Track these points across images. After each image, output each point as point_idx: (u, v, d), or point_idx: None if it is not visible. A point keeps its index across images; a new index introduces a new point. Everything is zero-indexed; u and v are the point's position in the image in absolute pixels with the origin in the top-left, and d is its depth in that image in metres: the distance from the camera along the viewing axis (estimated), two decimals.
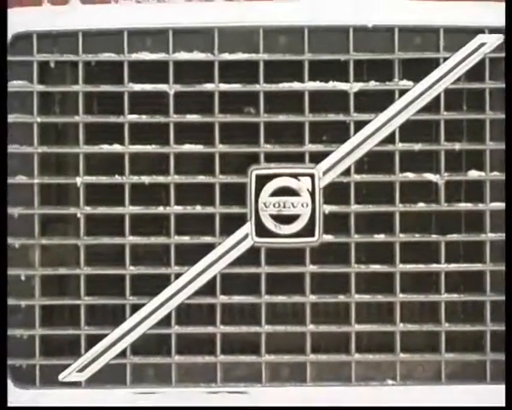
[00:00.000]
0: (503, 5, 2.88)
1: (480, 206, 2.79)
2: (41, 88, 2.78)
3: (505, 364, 2.85)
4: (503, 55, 2.81)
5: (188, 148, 2.77)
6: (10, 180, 2.80)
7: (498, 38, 2.79)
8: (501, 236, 2.82)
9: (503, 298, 2.86)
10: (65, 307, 2.84)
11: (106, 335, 2.78)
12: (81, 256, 2.78)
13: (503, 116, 2.85)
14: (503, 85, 2.84)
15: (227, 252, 2.79)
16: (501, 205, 2.81)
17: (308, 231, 2.77)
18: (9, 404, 2.87)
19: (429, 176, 2.78)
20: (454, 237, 2.80)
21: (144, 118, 2.78)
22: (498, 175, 2.81)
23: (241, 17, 2.87)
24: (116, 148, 2.78)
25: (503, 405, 2.91)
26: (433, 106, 2.82)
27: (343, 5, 2.89)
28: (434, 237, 2.79)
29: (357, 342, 2.83)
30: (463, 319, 2.85)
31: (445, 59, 2.76)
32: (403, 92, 2.76)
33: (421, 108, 2.78)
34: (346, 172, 2.77)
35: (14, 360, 2.79)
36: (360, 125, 2.77)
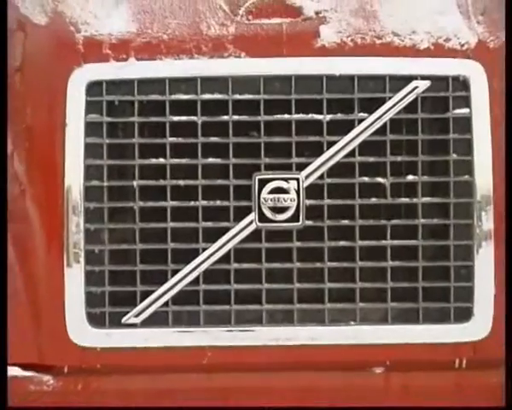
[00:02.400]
0: (430, 60, 3.19)
1: (415, 200, 3.18)
2: (108, 119, 3.17)
3: (505, 365, 3.18)
4: (430, 94, 3.18)
5: (211, 160, 3.16)
6: (87, 183, 3.15)
7: (427, 83, 3.16)
8: (428, 221, 3.19)
9: (431, 264, 3.22)
10: (125, 272, 3.23)
11: (154, 291, 3.19)
12: (136, 236, 3.17)
13: (431, 137, 3.21)
14: (432, 116, 3.20)
15: (238, 233, 3.17)
16: (429, 199, 3.19)
17: (295, 218, 3.16)
18: (86, 342, 3.20)
19: (379, 179, 3.18)
20: (398, 222, 3.20)
21: (180, 140, 3.17)
22: (427, 178, 3.19)
23: (248, 69, 3.20)
24: (160, 161, 3.17)
25: (433, 341, 3.23)
26: (385, 127, 3.18)
27: (318, 60, 3.20)
28: (383, 222, 3.20)
29: (330, 295, 3.22)
30: (402, 279, 3.23)
31: (390, 97, 3.16)
32: (360, 121, 3.16)
33: (373, 132, 3.16)
34: (321, 177, 3.16)
35: (90, 309, 3.18)
36: (331, 144, 3.16)
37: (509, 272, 3.19)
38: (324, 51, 3.19)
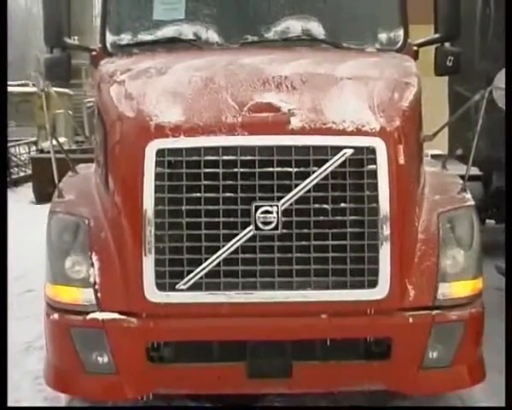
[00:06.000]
0: (354, 137, 3.35)
1: (345, 218, 3.38)
2: (168, 171, 3.36)
3: (505, 364, 3.33)
4: (354, 157, 3.31)
5: (227, 194, 3.36)
6: (156, 208, 3.29)
7: (352, 151, 3.34)
8: (353, 229, 3.34)
9: (355, 255, 3.35)
10: (177, 259, 3.37)
11: (194, 270, 3.37)
12: (184, 238, 3.36)
13: (354, 181, 3.33)
14: (355, 169, 3.32)
15: (243, 236, 3.36)
16: (354, 217, 3.35)
17: (276, 228, 3.35)
18: (155, 299, 3.34)
19: (325, 205, 3.37)
20: (335, 230, 3.38)
21: (210, 182, 3.34)
22: (353, 205, 3.36)
23: (249, 142, 3.31)
24: (198, 194, 3.36)
25: (355, 299, 3.36)
26: (327, 176, 3.35)
27: (289, 137, 3.37)
28: (327, 230, 3.38)
29: (296, 272, 3.39)
30: (338, 263, 3.39)
31: (331, 159, 3.34)
32: (313, 172, 3.35)
33: (321, 179, 3.34)
34: (291, 204, 3.35)
35: (158, 280, 3.36)
36: (296, 185, 3.34)
37: (509, 276, 3.36)
38: (293, 132, 3.43)
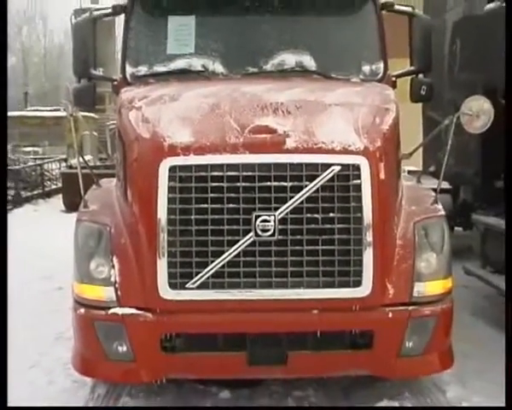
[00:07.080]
0: (341, 155, 3.28)
1: (333, 226, 3.32)
2: (179, 185, 3.31)
3: (505, 364, 3.19)
4: (341, 173, 3.25)
5: (231, 206, 3.29)
6: (168, 217, 3.23)
7: (339, 167, 3.29)
8: (340, 236, 3.28)
9: (342, 258, 3.28)
10: (187, 261, 3.33)
11: (201, 271, 3.32)
12: (193, 243, 3.31)
13: (342, 194, 3.26)
14: (342, 183, 3.25)
15: (244, 242, 3.32)
16: (341, 226, 3.27)
17: (273, 234, 3.31)
18: (168, 297, 3.27)
19: (316, 215, 3.32)
20: (324, 237, 3.32)
21: (215, 195, 3.29)
22: (340, 215, 3.29)
23: (249, 160, 3.31)
24: (205, 206, 3.30)
25: (342, 297, 3.31)
26: (318, 189, 3.30)
27: (285, 155, 3.30)
28: (317, 237, 3.33)
29: (291, 273, 3.34)
30: (327, 265, 3.34)
31: (321, 174, 3.30)
32: (306, 186, 3.29)
33: (312, 192, 3.28)
34: (286, 214, 3.30)
35: (170, 280, 3.31)
36: (291, 197, 3.29)
37: (509, 272, 3.27)
38: (288, 151, 3.37)
